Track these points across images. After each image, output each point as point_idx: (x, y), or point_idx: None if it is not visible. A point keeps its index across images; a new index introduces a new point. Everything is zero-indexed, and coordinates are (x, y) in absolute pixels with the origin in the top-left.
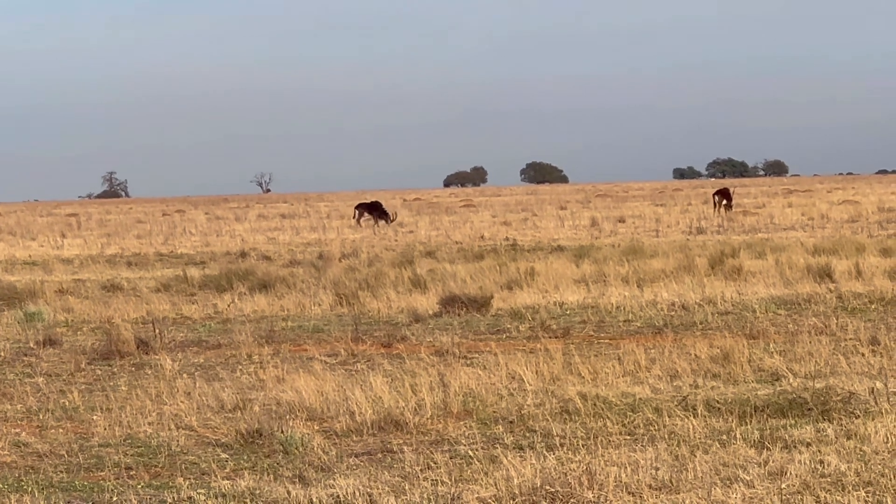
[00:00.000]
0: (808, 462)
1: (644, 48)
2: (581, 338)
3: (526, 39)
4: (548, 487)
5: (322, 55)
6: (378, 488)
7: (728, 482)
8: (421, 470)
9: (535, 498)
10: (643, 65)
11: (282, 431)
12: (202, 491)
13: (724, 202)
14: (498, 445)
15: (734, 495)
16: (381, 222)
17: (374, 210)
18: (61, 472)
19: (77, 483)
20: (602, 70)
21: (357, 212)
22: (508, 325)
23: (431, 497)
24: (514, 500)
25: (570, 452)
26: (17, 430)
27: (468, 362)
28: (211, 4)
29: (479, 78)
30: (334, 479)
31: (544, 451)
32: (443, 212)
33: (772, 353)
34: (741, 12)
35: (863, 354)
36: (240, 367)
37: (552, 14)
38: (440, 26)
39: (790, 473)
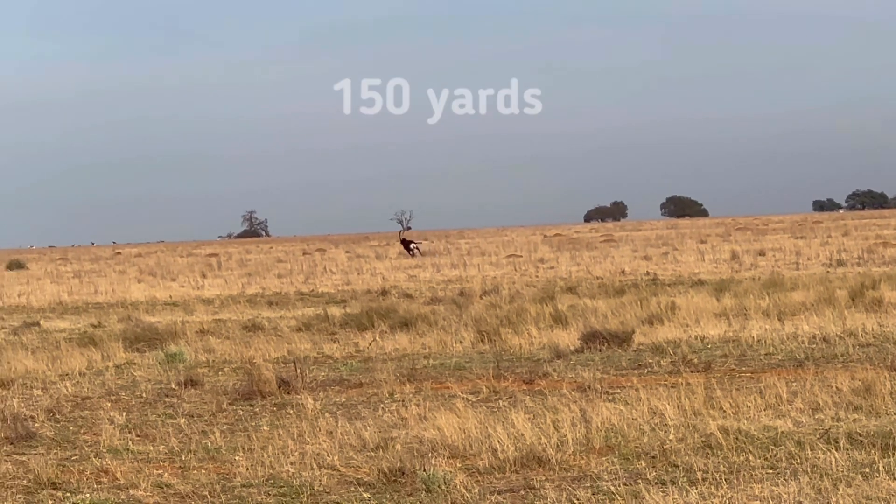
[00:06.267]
0: None
1: (779, 84)
2: (722, 372)
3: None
4: None
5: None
6: None
7: None
8: None
9: None
10: (787, 98)
11: (424, 469)
12: None
13: None
14: (640, 481)
15: None
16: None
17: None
18: None
19: None
20: (743, 104)
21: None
22: (650, 360)
23: None
24: None
25: (712, 487)
26: (160, 472)
27: (610, 398)
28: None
29: (617, 112)
30: None
31: (686, 486)
32: (583, 247)
33: None
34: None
35: None
36: (381, 405)
37: (709, 52)
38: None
39: None
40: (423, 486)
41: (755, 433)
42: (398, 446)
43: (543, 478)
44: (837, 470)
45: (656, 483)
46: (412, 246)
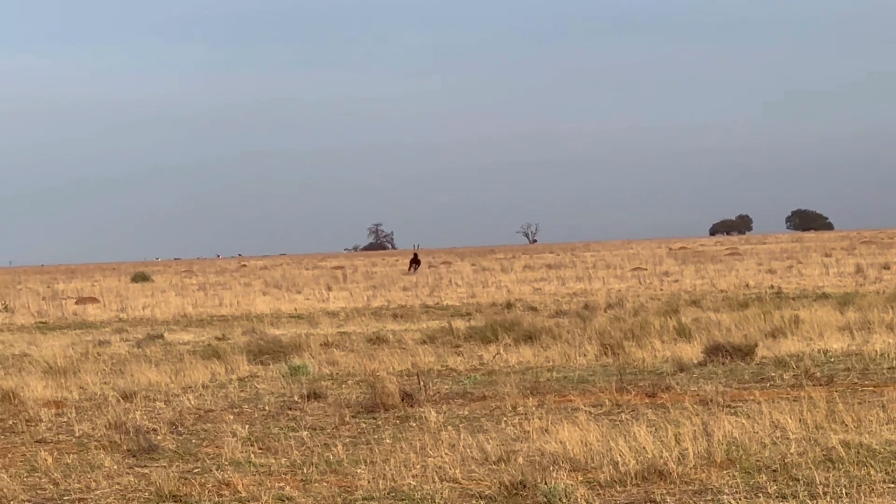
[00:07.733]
0: None
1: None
2: (845, 386)
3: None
4: None
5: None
6: None
7: None
8: None
9: None
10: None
11: (545, 483)
12: None
13: None
14: (761, 494)
15: None
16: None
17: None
18: None
19: None
20: (868, 118)
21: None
22: (772, 374)
23: None
24: None
25: (833, 501)
26: (281, 485)
27: (732, 411)
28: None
29: (744, 127)
30: None
31: (807, 500)
32: (708, 260)
33: None
34: None
35: None
36: (504, 418)
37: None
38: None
39: None
40: (545, 500)
41: (877, 447)
42: (520, 459)
43: (664, 491)
44: None
45: (777, 497)
46: (419, 262)
